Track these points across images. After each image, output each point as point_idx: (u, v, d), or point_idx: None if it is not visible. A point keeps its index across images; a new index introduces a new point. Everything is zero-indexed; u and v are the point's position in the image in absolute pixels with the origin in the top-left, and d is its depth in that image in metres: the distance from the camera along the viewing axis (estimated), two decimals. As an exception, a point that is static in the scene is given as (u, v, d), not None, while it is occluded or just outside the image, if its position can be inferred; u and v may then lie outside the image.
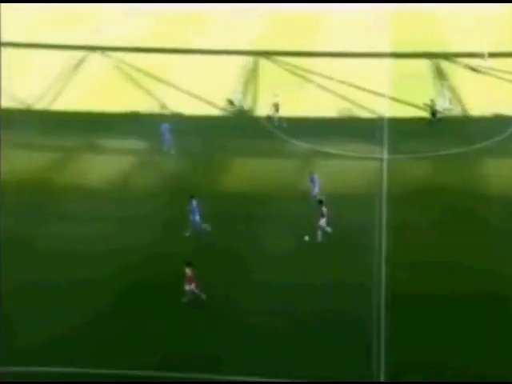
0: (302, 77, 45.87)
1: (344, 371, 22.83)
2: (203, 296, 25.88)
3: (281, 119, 39.18)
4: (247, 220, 30.87)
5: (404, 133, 38.03)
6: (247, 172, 34.87)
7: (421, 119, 39.27)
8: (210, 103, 42.59)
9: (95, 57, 50.00)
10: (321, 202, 29.28)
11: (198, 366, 23.14)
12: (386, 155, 35.84)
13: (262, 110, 41.02)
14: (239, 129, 39.56)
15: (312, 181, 31.86)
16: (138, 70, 47.39)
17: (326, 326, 24.60)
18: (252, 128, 39.39)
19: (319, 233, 29.20)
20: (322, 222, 29.19)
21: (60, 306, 25.82)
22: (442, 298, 25.71)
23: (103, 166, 35.67)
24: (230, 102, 43.05)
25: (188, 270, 25.58)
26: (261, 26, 54.93)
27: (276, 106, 39.49)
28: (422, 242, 28.93)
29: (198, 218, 29.46)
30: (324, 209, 29.18)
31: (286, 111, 39.55)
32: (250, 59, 48.85)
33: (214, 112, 41.63)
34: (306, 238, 28.94)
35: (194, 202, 29.47)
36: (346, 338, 24.10)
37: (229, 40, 52.85)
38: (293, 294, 26.30)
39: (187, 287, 25.61)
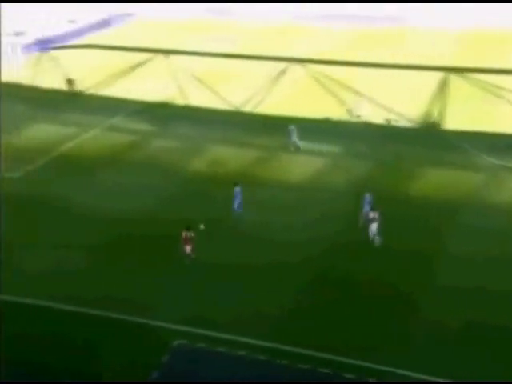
0: (493, 93, 47.11)
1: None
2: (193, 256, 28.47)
3: (466, 133, 40.30)
4: (436, 226, 31.78)
5: None
6: (434, 181, 36.13)
7: None
8: (399, 114, 44.65)
9: (295, 67, 54.60)
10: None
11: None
12: None
13: (451, 123, 42.56)
14: (422, 140, 40.93)
15: (366, 200, 31.67)
16: (333, 80, 51.09)
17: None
18: (437, 140, 40.72)
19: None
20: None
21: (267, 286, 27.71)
22: None
23: (297, 165, 38.30)
24: (350, 113, 44.95)
25: (187, 233, 28.33)
26: (452, 43, 56.40)
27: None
28: None
29: (238, 202, 32.46)
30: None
31: (474, 126, 40.77)
32: (440, 74, 50.76)
33: (404, 123, 43.56)
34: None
35: (238, 189, 32.46)
36: None
37: (422, 55, 55.54)
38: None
39: (188, 248, 28.39)
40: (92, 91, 51.67)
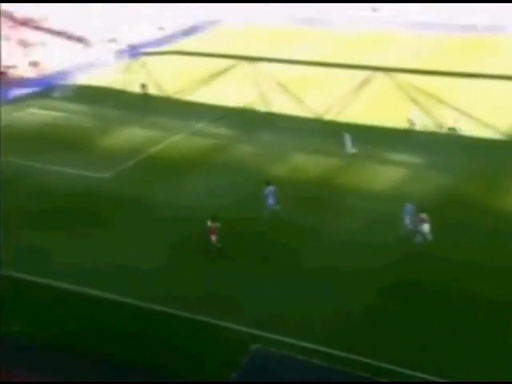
0: None
1: None
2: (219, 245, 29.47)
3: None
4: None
5: None
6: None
7: None
8: (489, 126, 43.93)
9: (379, 76, 54.29)
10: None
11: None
12: None
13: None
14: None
15: (407, 211, 31.28)
16: (418, 89, 50.56)
17: None
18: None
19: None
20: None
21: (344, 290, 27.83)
22: None
23: (379, 174, 38.03)
24: (411, 123, 44.52)
25: (212, 224, 29.56)
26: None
27: None
28: None
29: (271, 201, 33.33)
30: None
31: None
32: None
33: (495, 136, 42.83)
34: None
35: (271, 188, 33.33)
36: None
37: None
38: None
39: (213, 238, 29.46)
40: (178, 96, 52.95)
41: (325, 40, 69.61)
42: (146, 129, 46.08)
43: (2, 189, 36.92)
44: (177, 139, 44.17)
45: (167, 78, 57.36)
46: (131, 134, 45.34)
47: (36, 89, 54.93)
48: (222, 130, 45.54)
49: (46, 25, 67.02)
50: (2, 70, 57.51)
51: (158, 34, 71.88)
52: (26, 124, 47.82)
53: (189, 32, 73.76)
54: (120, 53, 64.68)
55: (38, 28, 66.10)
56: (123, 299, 27.11)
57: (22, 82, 55.46)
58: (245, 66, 59.82)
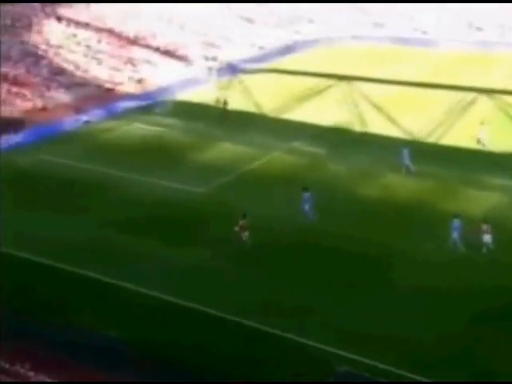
0: None
1: None
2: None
3: None
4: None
5: None
6: None
7: None
8: None
9: (482, 98, 52.97)
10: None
11: None
12: None
13: None
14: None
15: (454, 226, 31.75)
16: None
17: None
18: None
19: None
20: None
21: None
22: None
23: (473, 198, 37.52)
24: (479, 141, 44.00)
25: (243, 222, 31.98)
26: None
27: None
28: None
29: (307, 207, 34.64)
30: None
31: None
32: None
33: None
34: None
35: (307, 194, 34.71)
36: None
37: None
38: None
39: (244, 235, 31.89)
40: (275, 114, 53.61)
41: (423, 60, 68.63)
42: (241, 145, 46.78)
43: (105, 198, 38.60)
44: (272, 157, 44.64)
45: (264, 95, 58.04)
46: (227, 151, 46.14)
47: (140, 104, 56.85)
48: (317, 149, 45.67)
49: (153, 43, 69.45)
50: (111, 86, 60.18)
51: (257, 53, 73.09)
52: (129, 138, 49.53)
53: (286, 51, 74.51)
54: (219, 70, 66.16)
55: (144, 46, 68.56)
56: (211, 311, 27.55)
57: (128, 98, 57.59)
58: (341, 85, 59.87)
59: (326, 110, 52.89)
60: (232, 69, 67.51)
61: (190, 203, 37.56)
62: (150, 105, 56.34)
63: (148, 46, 68.77)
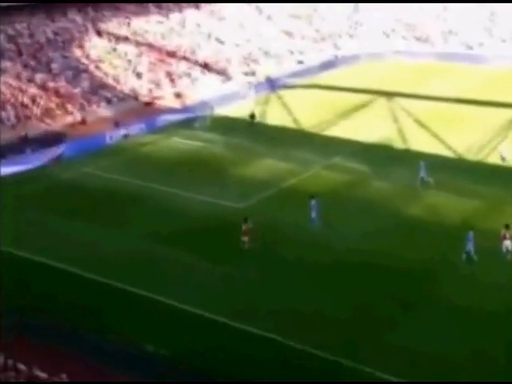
0: None
1: None
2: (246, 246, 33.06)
3: None
4: None
5: None
6: None
7: None
8: None
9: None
10: None
11: None
12: None
13: None
14: None
15: (469, 238, 32.32)
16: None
17: None
18: None
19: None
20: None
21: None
22: None
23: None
24: (503, 158, 44.33)
25: (245, 225, 33.22)
26: None
27: None
28: None
29: (314, 215, 35.52)
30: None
31: None
32: None
33: None
34: None
35: (313, 202, 35.69)
36: None
37: None
38: None
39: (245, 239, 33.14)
40: (315, 130, 53.40)
41: (469, 76, 67.86)
42: (281, 161, 46.48)
43: (145, 211, 38.70)
44: (312, 173, 44.24)
45: (304, 111, 57.97)
46: (267, 166, 45.87)
47: (179, 118, 56.91)
48: (358, 166, 45.13)
49: (192, 57, 69.87)
50: (150, 100, 60.51)
51: (296, 68, 73.12)
52: (169, 152, 49.52)
53: (327, 66, 74.32)
54: (258, 85, 66.18)
55: (184, 60, 69.02)
56: (250, 329, 27.33)
57: (168, 112, 57.72)
58: (383, 101, 59.55)
59: (368, 127, 52.42)
60: (271, 84, 67.60)
61: (229, 217, 37.29)
62: (190, 119, 56.50)
63: (188, 60, 69.22)
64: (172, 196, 40.84)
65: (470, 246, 32.33)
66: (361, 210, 38.12)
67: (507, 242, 32.09)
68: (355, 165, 45.31)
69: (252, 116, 55.82)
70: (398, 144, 49.07)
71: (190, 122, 56.02)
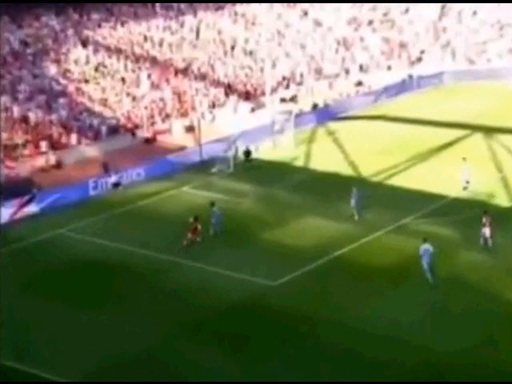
0: None
1: None
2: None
3: None
4: None
5: None
6: None
7: None
8: None
9: None
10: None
11: None
12: None
13: None
14: None
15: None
16: None
17: None
18: None
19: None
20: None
21: None
22: None
23: None
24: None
25: (194, 222, 43.81)
26: None
27: None
28: None
29: (216, 221, 45.64)
30: None
31: None
32: None
33: None
34: None
35: (215, 209, 46.12)
36: None
37: None
38: None
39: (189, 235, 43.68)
40: (378, 178, 54.06)
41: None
42: (329, 221, 47.14)
43: (145, 287, 39.49)
44: (371, 238, 44.58)
45: (363, 151, 58.58)
46: (309, 228, 46.48)
47: (191, 161, 58.19)
48: (439, 229, 45.44)
49: (210, 76, 71.32)
50: (151, 135, 61.72)
51: (356, 91, 74.23)
52: (177, 207, 50.40)
53: (398, 89, 75.30)
54: (302, 116, 66.98)
55: (199, 78, 70.25)
56: None
57: (174, 152, 58.92)
58: (477, 138, 60.09)
59: (454, 174, 52.80)
60: (319, 114, 68.47)
61: (256, 300, 37.84)
62: (206, 162, 57.55)
63: (204, 80, 70.72)
64: (183, 270, 41.51)
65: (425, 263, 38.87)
66: (446, 295, 38.31)
67: (485, 230, 41.97)
68: (435, 227, 45.56)
69: (247, 153, 56.77)
70: (503, 200, 49.58)
71: (206, 165, 57.09)
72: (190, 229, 43.71)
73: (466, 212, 47.18)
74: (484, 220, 42.30)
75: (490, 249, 42.15)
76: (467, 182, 49.88)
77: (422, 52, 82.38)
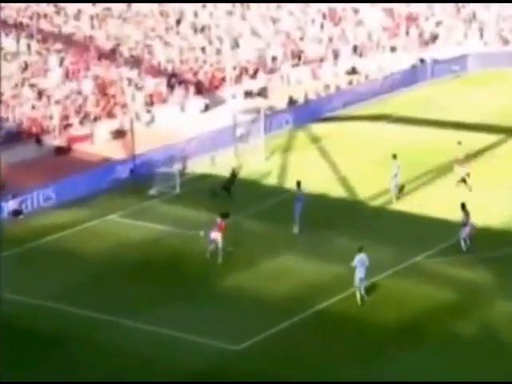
0: None
1: None
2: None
3: None
4: None
5: None
6: None
7: None
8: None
9: None
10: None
11: None
12: None
13: None
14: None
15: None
16: None
17: None
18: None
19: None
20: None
21: None
22: None
23: None
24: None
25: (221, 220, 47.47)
26: None
27: None
28: None
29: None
30: None
31: None
32: None
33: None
34: None
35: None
36: None
37: None
38: None
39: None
40: (379, 202, 54.23)
41: None
42: (314, 262, 47.27)
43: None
44: (372, 284, 44.74)
45: (359, 164, 59.02)
46: (285, 272, 46.65)
47: (120, 178, 58.48)
48: (464, 270, 45.88)
49: (148, 61, 71.68)
50: (65, 143, 61.88)
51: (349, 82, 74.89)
52: (99, 245, 50.22)
53: (406, 79, 75.94)
54: (274, 116, 67.34)
55: (132, 65, 70.67)
56: None
57: (99, 167, 59.22)
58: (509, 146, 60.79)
59: (481, 193, 53.51)
60: (297, 113, 68.88)
61: (217, 369, 38.06)
62: (141, 180, 57.79)
63: (138, 67, 71.06)
64: (113, 331, 41.41)
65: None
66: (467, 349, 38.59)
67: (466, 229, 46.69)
68: (460, 269, 46.01)
69: (233, 173, 56.96)
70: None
71: (141, 185, 57.26)
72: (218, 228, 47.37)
73: (502, 248, 47.86)
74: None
75: None
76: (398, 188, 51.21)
77: (438, 26, 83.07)
